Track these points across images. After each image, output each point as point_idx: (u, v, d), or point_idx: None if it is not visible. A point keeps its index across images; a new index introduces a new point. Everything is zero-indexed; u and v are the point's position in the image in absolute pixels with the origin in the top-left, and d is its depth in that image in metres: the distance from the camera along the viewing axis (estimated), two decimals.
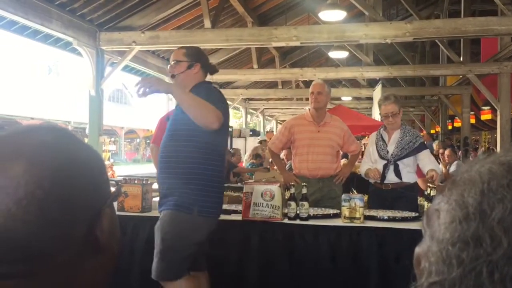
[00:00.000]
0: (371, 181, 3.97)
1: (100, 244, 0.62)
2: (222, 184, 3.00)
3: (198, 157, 2.75)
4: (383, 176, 3.83)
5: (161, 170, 2.87)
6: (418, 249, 0.58)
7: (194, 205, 2.72)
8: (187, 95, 2.76)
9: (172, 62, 2.99)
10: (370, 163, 3.99)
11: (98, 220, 0.62)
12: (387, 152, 3.87)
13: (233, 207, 3.67)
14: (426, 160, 3.83)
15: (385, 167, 3.86)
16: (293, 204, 3.23)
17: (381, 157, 3.88)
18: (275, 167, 5.70)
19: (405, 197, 3.79)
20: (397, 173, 3.82)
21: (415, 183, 3.94)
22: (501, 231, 0.49)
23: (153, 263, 2.76)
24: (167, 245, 2.73)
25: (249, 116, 18.98)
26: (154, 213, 3.45)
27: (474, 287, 0.49)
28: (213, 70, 3.11)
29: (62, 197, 0.57)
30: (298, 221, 3.21)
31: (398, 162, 3.83)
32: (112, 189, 0.68)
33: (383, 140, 3.95)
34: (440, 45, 10.71)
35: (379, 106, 4.03)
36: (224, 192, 5.45)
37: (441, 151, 9.65)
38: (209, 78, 3.19)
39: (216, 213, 2.84)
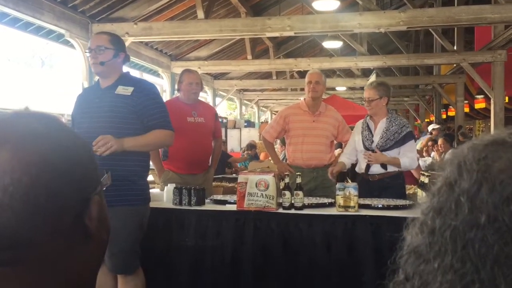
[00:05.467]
0: (358, 171, 3.86)
1: (89, 232, 0.61)
2: None
3: None
4: (367, 166, 3.72)
5: None
6: None
7: None
8: (140, 141, 2.79)
9: (97, 47, 2.85)
10: (348, 155, 3.87)
11: (86, 208, 0.61)
12: (372, 142, 3.74)
13: (227, 197, 3.67)
14: (405, 152, 3.68)
15: None
16: (287, 193, 3.23)
17: (366, 148, 3.75)
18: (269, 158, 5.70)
19: (392, 187, 3.68)
20: (382, 164, 3.71)
21: (401, 171, 3.77)
22: (464, 198, 0.50)
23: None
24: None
25: (243, 107, 18.96)
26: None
27: (439, 252, 0.50)
28: (129, 59, 3.06)
29: (49, 184, 0.56)
30: (293, 211, 3.22)
31: (383, 153, 3.70)
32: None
33: (369, 129, 3.82)
34: (434, 34, 10.72)
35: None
36: (219, 183, 5.48)
37: (430, 143, 9.76)
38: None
39: None
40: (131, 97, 2.83)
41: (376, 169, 3.71)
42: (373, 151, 3.71)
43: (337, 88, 16.93)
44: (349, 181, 3.26)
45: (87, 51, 2.94)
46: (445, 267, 0.49)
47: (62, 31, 6.83)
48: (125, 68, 3.11)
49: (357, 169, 3.89)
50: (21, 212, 0.54)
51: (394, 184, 3.68)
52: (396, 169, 3.70)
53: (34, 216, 0.55)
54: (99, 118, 2.79)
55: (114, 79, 2.90)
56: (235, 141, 13.93)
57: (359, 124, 3.96)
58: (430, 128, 11.91)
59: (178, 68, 10.10)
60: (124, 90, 2.85)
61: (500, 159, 0.51)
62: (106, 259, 2.72)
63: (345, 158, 3.88)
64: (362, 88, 15.13)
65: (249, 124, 16.10)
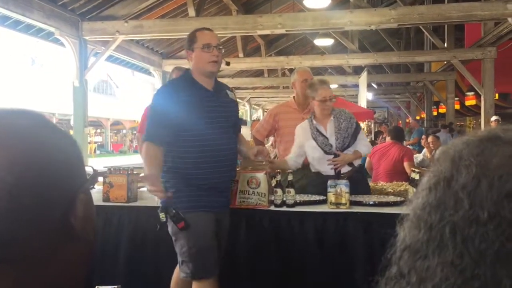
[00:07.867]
0: (323, 173, 3.62)
1: (75, 231, 0.60)
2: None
3: None
4: (337, 170, 3.56)
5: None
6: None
7: None
8: None
9: (218, 46, 2.75)
10: (295, 158, 3.63)
11: (72, 207, 0.60)
12: (331, 146, 3.56)
13: None
14: (360, 140, 3.63)
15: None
16: (279, 191, 3.23)
17: (327, 153, 3.57)
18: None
19: (359, 179, 3.59)
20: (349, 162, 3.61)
21: (360, 165, 3.72)
22: (464, 194, 0.50)
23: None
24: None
25: None
26: (140, 202, 3.44)
27: (438, 248, 0.50)
28: None
29: (33, 183, 0.56)
30: (284, 208, 3.22)
31: (345, 151, 3.58)
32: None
33: (321, 134, 3.59)
34: (425, 31, 10.77)
35: (316, 90, 3.62)
36: None
37: (423, 137, 9.80)
38: None
39: None
40: (236, 103, 3.00)
41: (344, 169, 3.60)
42: (335, 155, 3.55)
43: None
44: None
45: (206, 45, 2.73)
46: (444, 263, 0.49)
47: (52, 29, 6.78)
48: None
49: (324, 173, 3.65)
50: (4, 211, 0.53)
51: (357, 177, 3.55)
52: (358, 161, 3.67)
53: (18, 215, 0.54)
54: (228, 127, 2.85)
55: (213, 81, 2.86)
56: None
57: (304, 129, 3.67)
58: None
59: (169, 66, 10.06)
60: (232, 96, 2.95)
61: (496, 154, 0.51)
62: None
63: (292, 162, 3.62)
64: (353, 86, 15.19)
65: (241, 122, 16.11)
